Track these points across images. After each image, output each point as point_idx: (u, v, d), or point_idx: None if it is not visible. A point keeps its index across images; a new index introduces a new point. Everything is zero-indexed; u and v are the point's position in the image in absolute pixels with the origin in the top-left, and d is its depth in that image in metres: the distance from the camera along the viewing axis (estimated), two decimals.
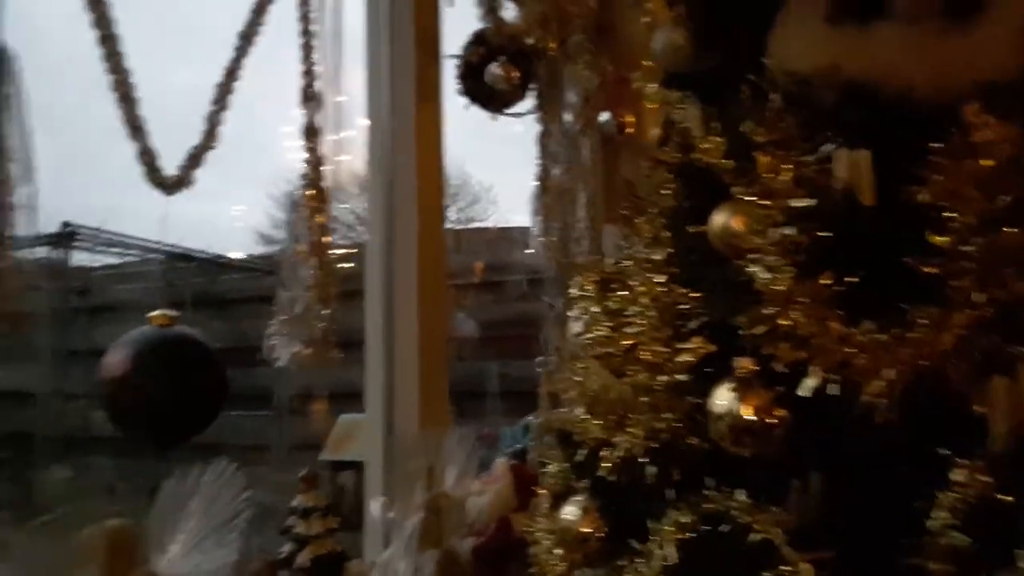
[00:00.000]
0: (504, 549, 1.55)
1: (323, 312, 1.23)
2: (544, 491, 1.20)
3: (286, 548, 1.14)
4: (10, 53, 0.87)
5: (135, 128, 1.02)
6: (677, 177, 0.98)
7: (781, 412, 0.81)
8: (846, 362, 0.77)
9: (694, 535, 0.84)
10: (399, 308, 1.86)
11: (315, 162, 1.29)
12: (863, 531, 0.81)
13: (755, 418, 0.81)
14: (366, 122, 1.88)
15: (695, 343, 0.90)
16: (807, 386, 0.78)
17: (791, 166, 0.86)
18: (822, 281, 0.78)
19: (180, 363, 1.14)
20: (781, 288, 0.78)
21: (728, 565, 0.80)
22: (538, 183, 2.18)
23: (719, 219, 0.89)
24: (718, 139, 0.93)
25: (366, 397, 1.89)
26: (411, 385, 1.85)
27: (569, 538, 1.04)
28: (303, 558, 1.11)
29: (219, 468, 0.95)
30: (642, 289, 0.97)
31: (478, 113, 2.05)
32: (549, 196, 2.15)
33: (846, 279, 0.78)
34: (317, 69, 1.30)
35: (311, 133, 1.29)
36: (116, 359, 1.11)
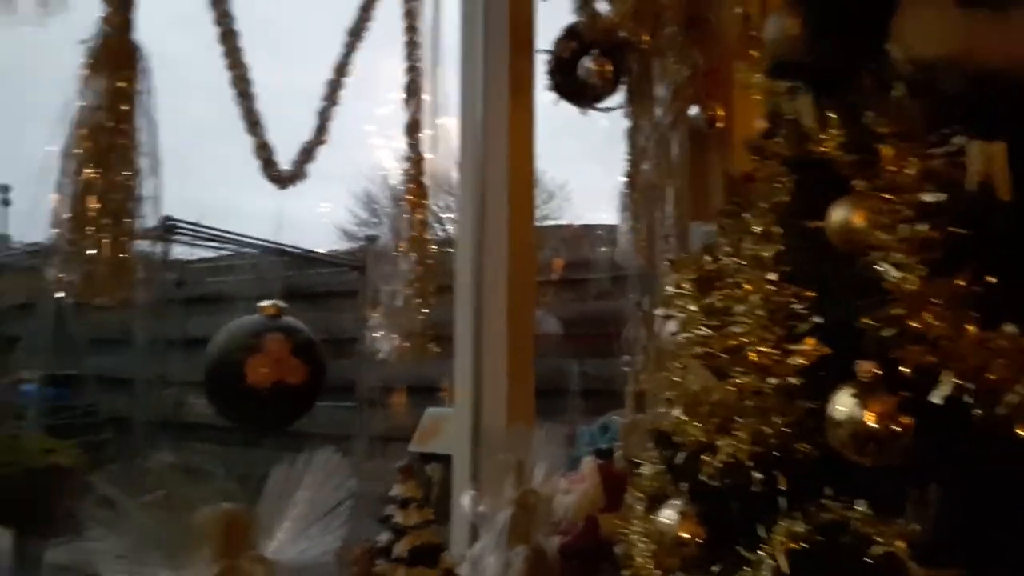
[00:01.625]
0: (591, 549, 1.53)
1: (422, 306, 1.24)
2: (638, 493, 1.18)
3: (384, 537, 1.15)
4: (143, 50, 0.91)
5: (253, 123, 1.05)
6: (790, 171, 0.94)
7: (907, 419, 0.76)
8: (982, 368, 0.72)
9: (808, 545, 0.81)
10: (488, 303, 1.87)
11: (416, 158, 1.30)
12: (993, 548, 0.76)
13: (879, 425, 0.76)
14: (446, 119, 1.88)
15: (808, 344, 0.86)
16: (940, 392, 0.73)
17: (918, 159, 0.81)
18: (957, 281, 0.74)
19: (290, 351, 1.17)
20: (912, 288, 0.74)
21: None
22: (626, 178, 2.15)
23: (838, 214, 0.85)
24: (836, 131, 0.89)
25: (455, 391, 1.90)
26: (499, 380, 1.85)
27: (666, 542, 1.01)
28: (401, 548, 1.12)
29: (324, 456, 0.97)
30: (749, 287, 0.93)
31: (553, 109, 2.03)
32: (637, 192, 2.11)
33: (983, 279, 0.73)
34: (420, 66, 1.31)
35: (413, 129, 1.30)
36: (224, 343, 1.15)
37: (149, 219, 0.90)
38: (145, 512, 0.87)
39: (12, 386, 6.38)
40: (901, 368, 0.77)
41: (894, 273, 0.75)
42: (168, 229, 4.80)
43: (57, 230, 0.85)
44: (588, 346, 4.29)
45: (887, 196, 0.81)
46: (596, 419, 3.00)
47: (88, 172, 0.85)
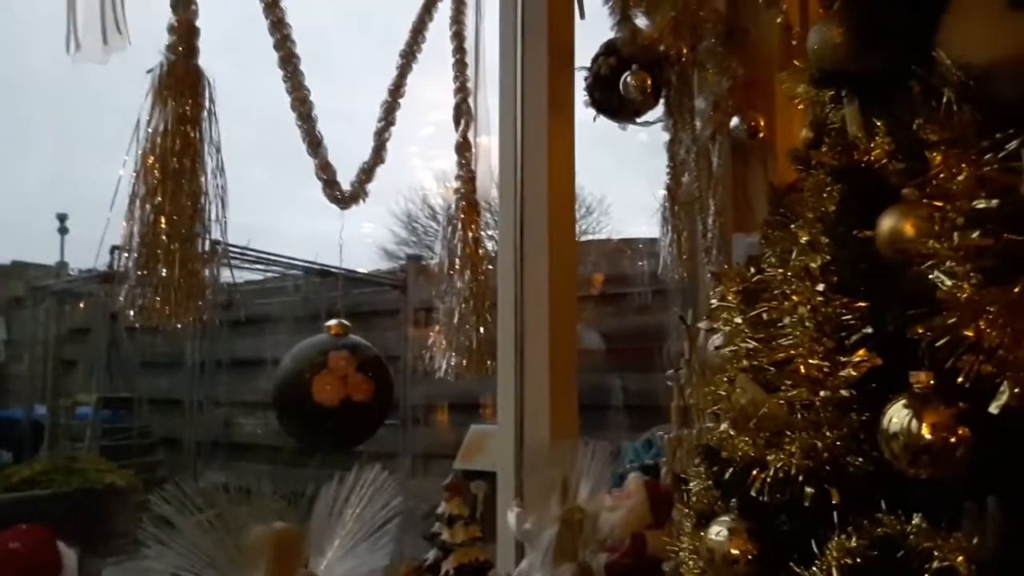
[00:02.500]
0: (638, 567, 1.51)
1: (478, 323, 1.25)
2: (686, 509, 1.16)
3: (431, 554, 1.16)
4: (206, 76, 0.95)
5: (315, 144, 1.07)
6: (836, 180, 0.92)
7: (963, 430, 0.74)
8: None
9: (862, 560, 0.79)
10: (530, 319, 1.87)
11: (467, 176, 1.32)
12: None
13: (934, 437, 0.74)
14: (486, 138, 1.90)
15: (860, 356, 0.84)
16: (998, 402, 0.71)
17: (969, 165, 0.79)
18: (1013, 288, 0.72)
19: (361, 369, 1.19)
20: (966, 296, 0.72)
21: None
22: (666, 192, 2.14)
23: (887, 223, 0.83)
24: (884, 139, 0.87)
25: (498, 408, 1.90)
26: (542, 396, 1.85)
27: (716, 559, 0.99)
28: (448, 565, 1.13)
29: (372, 475, 0.98)
30: (797, 298, 0.92)
31: (591, 125, 2.03)
32: (678, 204, 2.10)
33: None
34: (469, 85, 1.33)
35: (464, 148, 1.32)
36: (294, 363, 1.18)
37: (219, 241, 0.93)
38: (199, 531, 0.89)
39: (69, 409, 6.58)
40: (957, 378, 0.75)
41: (947, 282, 0.74)
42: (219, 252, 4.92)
43: (127, 255, 0.87)
44: (630, 361, 4.26)
45: (938, 204, 0.79)
46: (640, 434, 2.97)
47: (157, 196, 0.88)
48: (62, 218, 6.56)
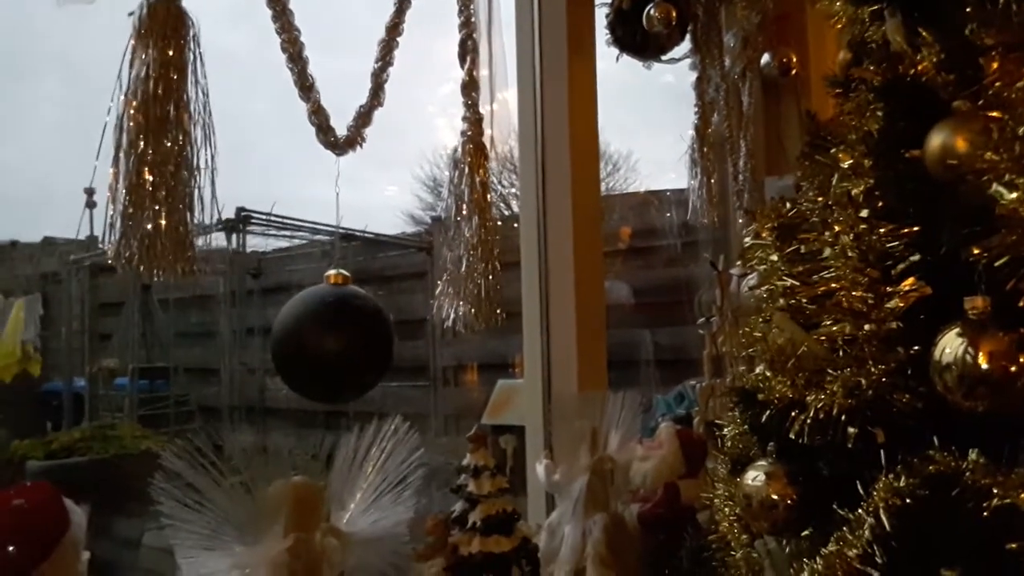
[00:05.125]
0: (672, 516, 1.47)
1: (486, 271, 1.20)
2: (720, 456, 1.12)
3: (457, 507, 1.13)
4: (191, 17, 0.90)
5: (307, 88, 1.02)
6: (879, 98, 0.85)
7: None
8: None
9: (912, 501, 0.74)
10: (554, 273, 1.83)
11: (474, 118, 1.26)
12: None
13: (992, 366, 0.69)
14: (504, 94, 1.83)
15: (908, 285, 0.78)
16: None
17: None
18: None
19: (355, 317, 1.16)
20: None
21: (959, 534, 0.69)
22: (694, 133, 2.05)
23: (937, 139, 0.76)
24: (931, 49, 0.80)
25: (524, 362, 1.87)
26: (568, 349, 1.81)
27: (754, 505, 0.95)
28: (475, 516, 1.10)
29: (393, 427, 0.95)
30: (839, 228, 0.86)
31: (614, 79, 1.94)
32: (707, 147, 2.02)
33: None
34: (474, 21, 1.27)
35: (469, 88, 1.25)
36: (291, 313, 1.14)
37: (207, 189, 0.89)
38: (216, 487, 0.87)
39: (107, 380, 6.73)
40: (1017, 302, 0.68)
41: (1008, 195, 0.67)
42: (243, 220, 4.95)
43: (114, 204, 0.84)
44: (660, 314, 4.20)
45: (995, 115, 0.72)
46: (671, 388, 2.93)
47: (140, 144, 0.84)
48: (90, 192, 6.62)
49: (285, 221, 5.55)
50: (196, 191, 0.89)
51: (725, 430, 1.10)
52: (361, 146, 1.10)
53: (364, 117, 1.11)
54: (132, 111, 0.85)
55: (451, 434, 5.17)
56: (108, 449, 4.57)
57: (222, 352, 6.39)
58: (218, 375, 6.45)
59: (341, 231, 4.81)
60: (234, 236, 5.60)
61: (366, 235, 5.53)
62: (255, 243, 6.25)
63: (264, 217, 5.37)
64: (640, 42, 1.86)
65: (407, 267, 5.81)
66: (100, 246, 6.71)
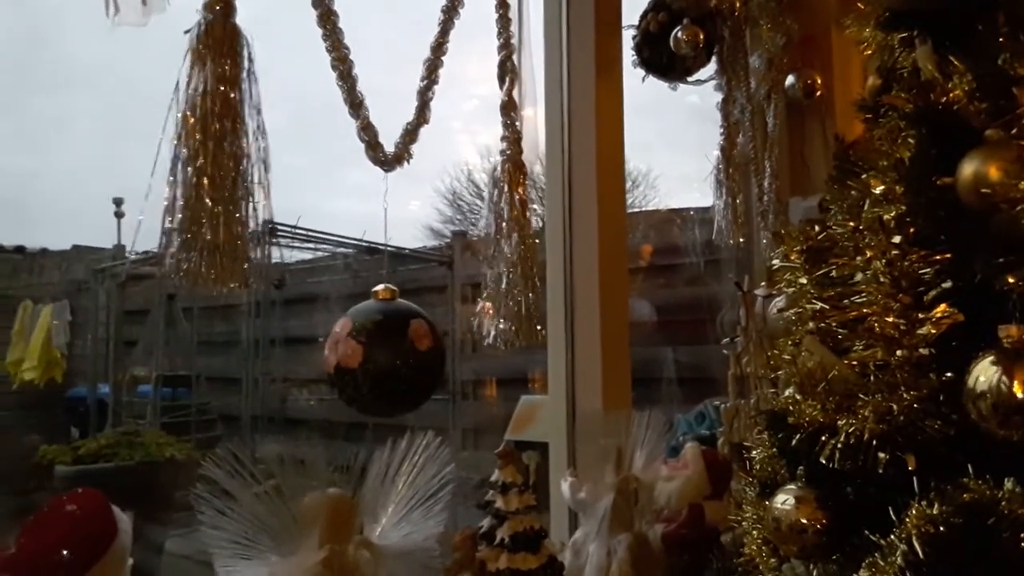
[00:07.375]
0: (697, 537, 1.47)
1: (527, 288, 1.21)
2: (748, 478, 1.12)
3: (485, 523, 1.14)
4: (245, 35, 0.92)
5: (356, 105, 1.04)
6: (911, 125, 0.86)
7: None
8: None
9: (946, 529, 0.74)
10: (580, 289, 1.84)
11: (513, 136, 1.27)
12: None
13: None
14: (531, 110, 1.85)
15: (941, 311, 0.79)
16: None
17: None
18: None
19: (406, 332, 1.18)
20: None
21: (994, 563, 0.69)
22: (720, 154, 2.06)
23: (970, 167, 0.77)
24: (963, 78, 0.81)
25: (549, 379, 1.88)
26: (593, 366, 1.82)
27: (783, 529, 0.95)
28: (503, 533, 1.11)
29: (424, 442, 0.97)
30: (871, 253, 0.86)
31: (635, 96, 1.95)
32: (732, 167, 2.02)
33: None
34: (514, 42, 1.28)
35: (509, 108, 1.27)
36: (343, 329, 1.16)
37: (261, 204, 0.91)
38: (253, 497, 0.89)
39: (131, 387, 6.81)
40: None
41: None
42: (270, 232, 5.01)
43: (171, 218, 0.86)
44: (682, 332, 4.18)
45: None
46: (692, 407, 2.91)
47: (199, 158, 0.86)
48: (118, 202, 6.73)
49: (310, 233, 5.61)
50: (252, 205, 0.91)
51: (754, 452, 1.10)
52: (408, 162, 1.12)
53: (411, 134, 1.13)
54: (190, 125, 0.87)
55: (470, 448, 5.17)
56: (133, 456, 4.62)
57: (244, 361, 6.45)
58: (240, 384, 6.50)
59: (384, 247, 4.86)
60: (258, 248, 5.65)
61: (388, 248, 5.56)
62: (277, 255, 6.32)
63: (290, 229, 5.43)
64: (667, 64, 1.88)
65: (428, 280, 5.84)
66: (127, 255, 6.81)
